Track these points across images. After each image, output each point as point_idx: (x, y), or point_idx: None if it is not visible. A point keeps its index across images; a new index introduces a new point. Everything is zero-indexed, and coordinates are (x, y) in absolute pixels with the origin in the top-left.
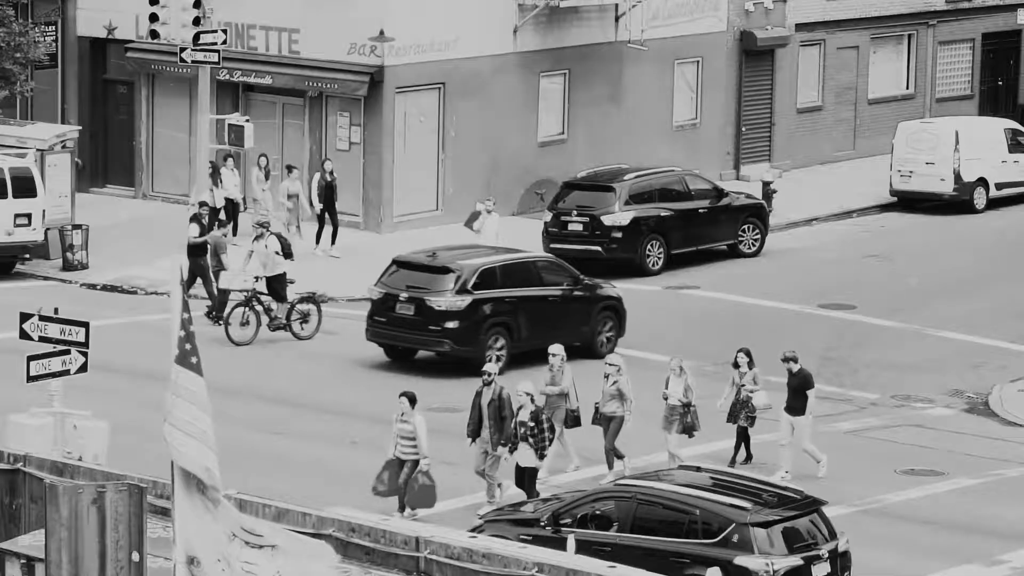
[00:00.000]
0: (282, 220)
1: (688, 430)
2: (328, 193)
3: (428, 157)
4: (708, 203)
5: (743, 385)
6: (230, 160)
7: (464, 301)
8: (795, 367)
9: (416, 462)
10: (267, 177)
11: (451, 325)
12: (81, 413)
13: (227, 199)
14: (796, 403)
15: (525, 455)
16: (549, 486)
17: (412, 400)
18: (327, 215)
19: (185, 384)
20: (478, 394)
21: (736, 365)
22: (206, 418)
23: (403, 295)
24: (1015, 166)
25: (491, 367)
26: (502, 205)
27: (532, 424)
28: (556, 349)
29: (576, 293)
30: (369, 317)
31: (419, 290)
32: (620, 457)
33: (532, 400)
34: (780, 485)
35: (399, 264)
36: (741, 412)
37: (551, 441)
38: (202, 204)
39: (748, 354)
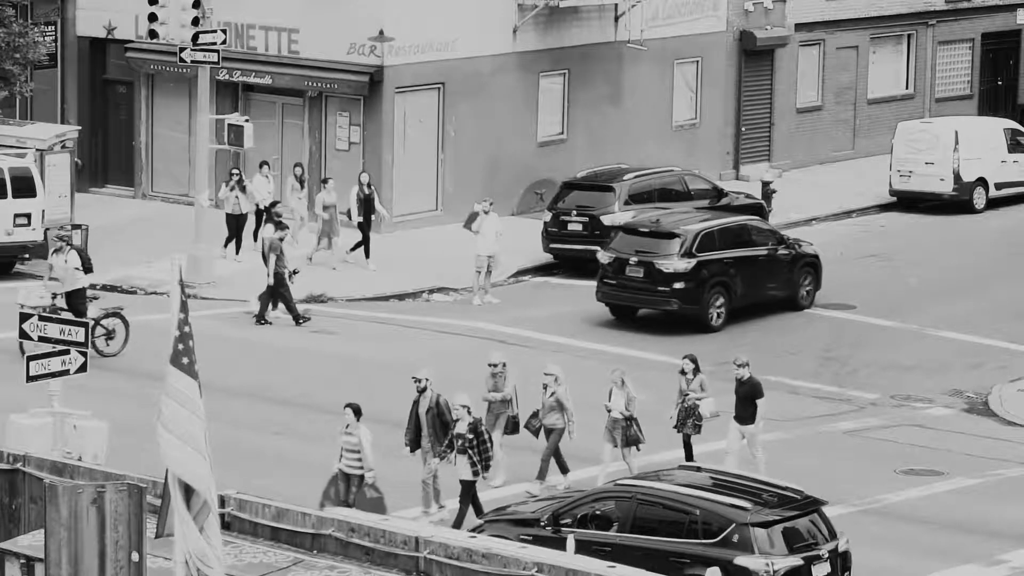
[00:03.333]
0: (316, 231)
1: (632, 442)
2: (366, 205)
3: (428, 157)
4: (708, 203)
5: (688, 393)
6: (266, 167)
7: (690, 263)
8: (745, 374)
9: (362, 476)
10: (302, 186)
11: (678, 286)
12: (81, 413)
13: (258, 206)
14: (745, 412)
15: (463, 468)
16: (540, 487)
17: (357, 412)
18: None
19: (176, 385)
20: (415, 403)
21: (682, 372)
22: (195, 420)
23: (633, 259)
24: (1015, 166)
25: (424, 372)
26: (502, 205)
27: (472, 436)
28: (496, 359)
29: (781, 251)
30: (599, 280)
31: (647, 254)
32: (565, 471)
33: (469, 412)
34: (780, 485)
35: (626, 231)
36: (688, 420)
37: (491, 454)
38: (274, 204)
39: (694, 360)
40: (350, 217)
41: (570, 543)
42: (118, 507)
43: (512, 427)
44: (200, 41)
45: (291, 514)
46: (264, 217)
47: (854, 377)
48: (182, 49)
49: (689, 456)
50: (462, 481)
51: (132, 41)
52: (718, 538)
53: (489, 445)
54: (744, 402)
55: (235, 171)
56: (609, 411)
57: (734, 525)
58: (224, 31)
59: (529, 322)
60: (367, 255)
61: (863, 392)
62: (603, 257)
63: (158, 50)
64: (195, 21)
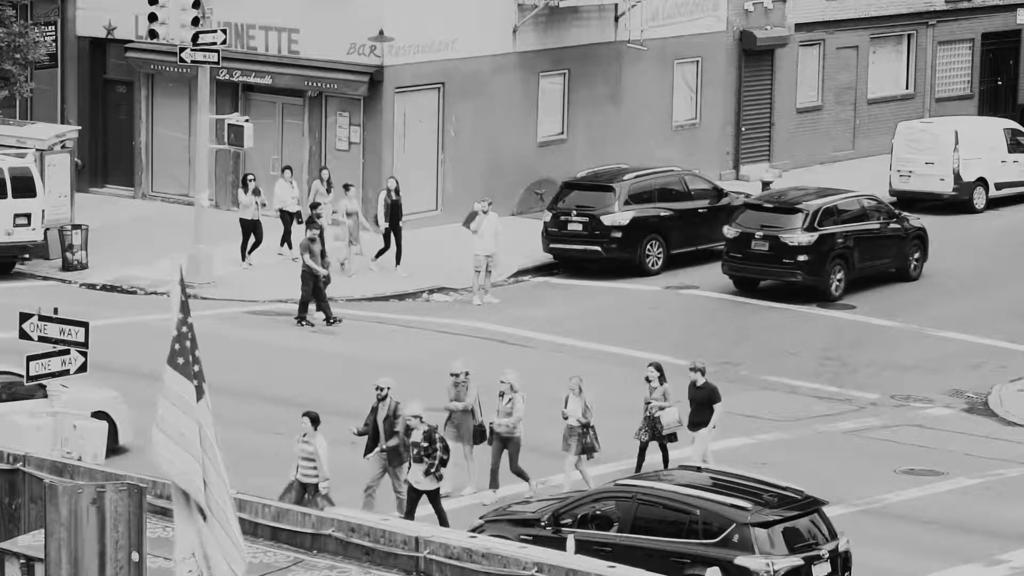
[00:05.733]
0: (340, 237)
1: (587, 451)
2: (394, 211)
3: (428, 157)
4: (708, 203)
5: (650, 402)
6: (288, 171)
7: (812, 237)
8: (701, 379)
9: (317, 485)
10: (329, 191)
11: (802, 258)
12: (81, 413)
13: (282, 210)
14: (700, 418)
15: (417, 476)
16: (549, 487)
17: (314, 420)
18: (391, 234)
19: (171, 386)
20: (373, 410)
21: (647, 380)
22: (189, 422)
23: (758, 233)
24: (1015, 166)
25: (385, 381)
26: (502, 205)
27: (425, 444)
28: (458, 368)
29: (892, 225)
30: (725, 254)
31: (772, 228)
32: (497, 484)
33: (421, 420)
34: (781, 485)
35: (750, 207)
36: (653, 428)
37: (445, 462)
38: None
39: (659, 368)
40: (377, 223)
41: (570, 543)
42: (118, 507)
43: (480, 436)
44: (200, 41)
45: (291, 514)
46: (295, 220)
47: (854, 377)
48: (182, 49)
49: (638, 465)
50: (427, 492)
51: (132, 41)
52: (718, 538)
53: (442, 454)
54: (701, 407)
55: (251, 177)
56: (565, 418)
57: (734, 525)
58: (224, 31)
59: (529, 322)
60: (377, 256)
61: (863, 392)
62: (729, 232)
63: (158, 50)
64: (195, 21)
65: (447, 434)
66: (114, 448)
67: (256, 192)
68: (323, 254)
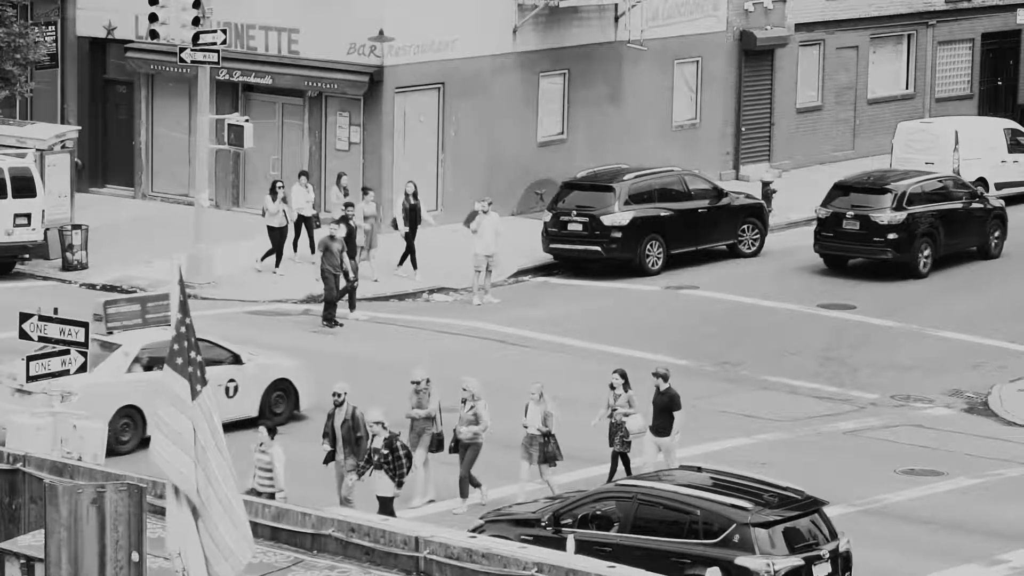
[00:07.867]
0: (359, 242)
1: (549, 459)
2: (412, 215)
3: (428, 157)
4: (708, 203)
5: (615, 409)
6: (303, 176)
7: (902, 216)
8: (663, 385)
9: (272, 495)
10: (346, 195)
11: (892, 236)
12: (81, 413)
13: (298, 215)
14: (662, 423)
15: (382, 483)
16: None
17: (271, 430)
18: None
19: (168, 385)
20: (330, 416)
21: (611, 387)
22: (185, 420)
23: (849, 213)
24: (1015, 166)
25: (341, 386)
26: (502, 205)
27: (387, 451)
28: (418, 375)
29: (974, 205)
30: (817, 234)
31: (862, 208)
32: (477, 486)
33: (384, 427)
34: (781, 485)
35: (840, 188)
36: (615, 436)
37: (409, 468)
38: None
39: (623, 375)
40: (396, 227)
41: (570, 543)
42: (118, 507)
43: (437, 444)
44: (200, 41)
45: (291, 514)
46: (314, 224)
47: (854, 377)
48: (182, 49)
49: (627, 471)
50: (379, 497)
51: (132, 41)
52: (719, 538)
53: (404, 461)
54: (661, 412)
55: (280, 184)
56: (526, 427)
57: (735, 525)
58: (224, 31)
59: (529, 322)
60: (415, 266)
61: (863, 392)
62: (821, 212)
63: (158, 50)
64: (195, 21)
65: (409, 442)
66: (293, 415)
67: (284, 200)
68: (351, 254)
